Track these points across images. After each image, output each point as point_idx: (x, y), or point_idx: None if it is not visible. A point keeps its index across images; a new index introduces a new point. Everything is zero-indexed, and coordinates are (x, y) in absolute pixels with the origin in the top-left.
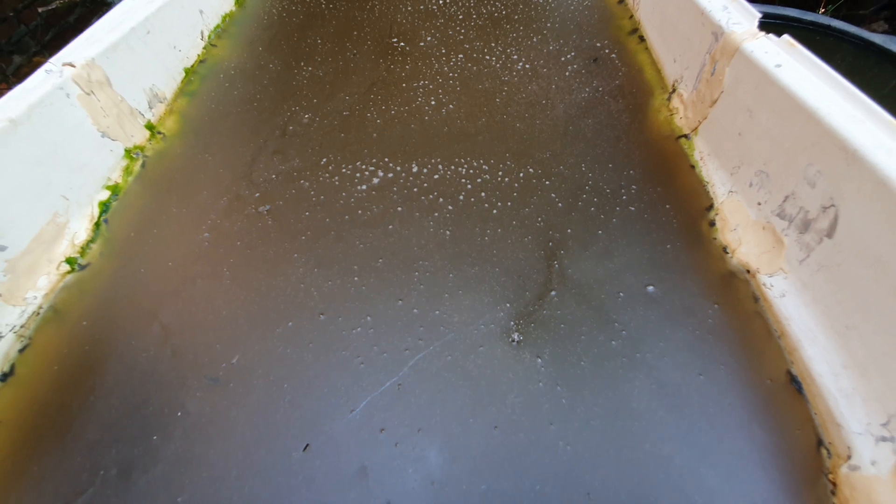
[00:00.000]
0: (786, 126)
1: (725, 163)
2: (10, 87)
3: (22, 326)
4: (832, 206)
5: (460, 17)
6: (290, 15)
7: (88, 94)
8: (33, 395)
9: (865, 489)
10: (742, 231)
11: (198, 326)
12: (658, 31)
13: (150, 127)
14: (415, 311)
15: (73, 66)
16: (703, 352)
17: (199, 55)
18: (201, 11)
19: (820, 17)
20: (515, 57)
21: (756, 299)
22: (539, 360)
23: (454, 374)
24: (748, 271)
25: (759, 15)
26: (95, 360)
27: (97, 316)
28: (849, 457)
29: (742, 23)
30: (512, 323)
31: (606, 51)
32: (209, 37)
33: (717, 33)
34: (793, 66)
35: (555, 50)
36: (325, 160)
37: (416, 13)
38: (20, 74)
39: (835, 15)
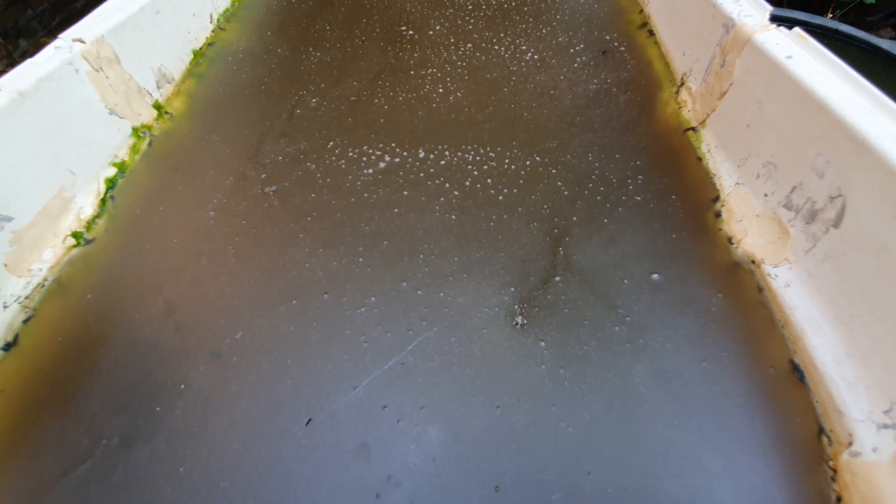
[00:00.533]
0: (795, 117)
1: (733, 154)
2: None
3: (26, 298)
4: (840, 195)
5: (470, 7)
6: (299, 1)
7: (97, 70)
8: (37, 366)
9: (866, 475)
10: (748, 222)
11: (202, 302)
12: (668, 25)
13: (157, 106)
14: (419, 292)
15: (82, 41)
16: (706, 339)
17: (207, 38)
18: None
19: (828, 21)
20: (524, 47)
21: (760, 289)
22: (542, 342)
23: (457, 354)
24: (753, 262)
25: (771, 7)
26: (99, 333)
27: (102, 290)
28: (850, 444)
29: (753, 15)
30: (516, 306)
31: (615, 44)
32: (218, 20)
33: (728, 25)
34: (804, 57)
35: (564, 42)
36: (331, 144)
37: (426, 2)
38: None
39: (842, 20)
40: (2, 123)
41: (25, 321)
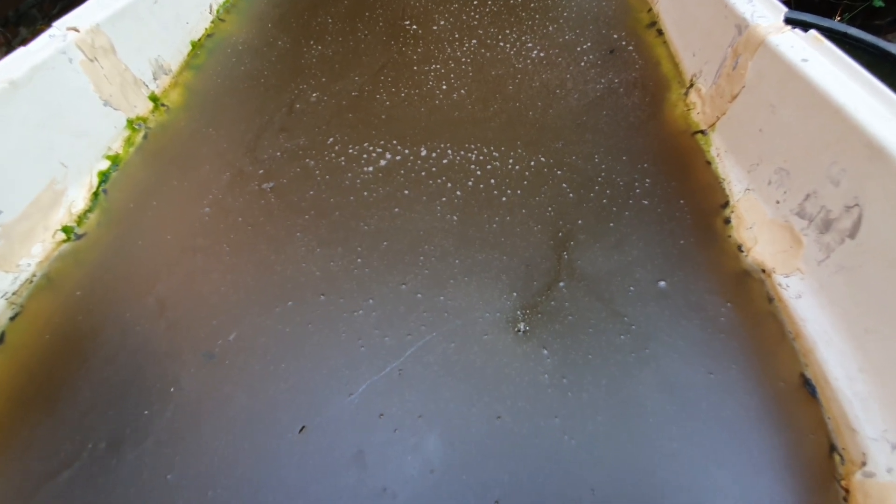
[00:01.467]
0: (810, 122)
1: (743, 160)
2: None
3: (14, 293)
4: (856, 205)
5: (475, 2)
6: None
7: (91, 60)
8: (23, 364)
9: (880, 497)
10: (758, 229)
11: (195, 301)
12: (677, 25)
13: (153, 98)
14: (418, 295)
15: (77, 30)
16: (714, 350)
17: (206, 29)
18: None
19: (837, 24)
20: (530, 45)
21: (770, 299)
22: (545, 351)
23: (457, 361)
24: (763, 271)
25: (785, 9)
26: (88, 331)
27: (92, 286)
28: (863, 463)
29: (767, 16)
30: (518, 312)
31: (623, 43)
32: (218, 11)
33: (741, 26)
34: (820, 61)
35: (571, 40)
36: (331, 140)
37: None
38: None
39: (850, 24)
40: None
41: (12, 318)
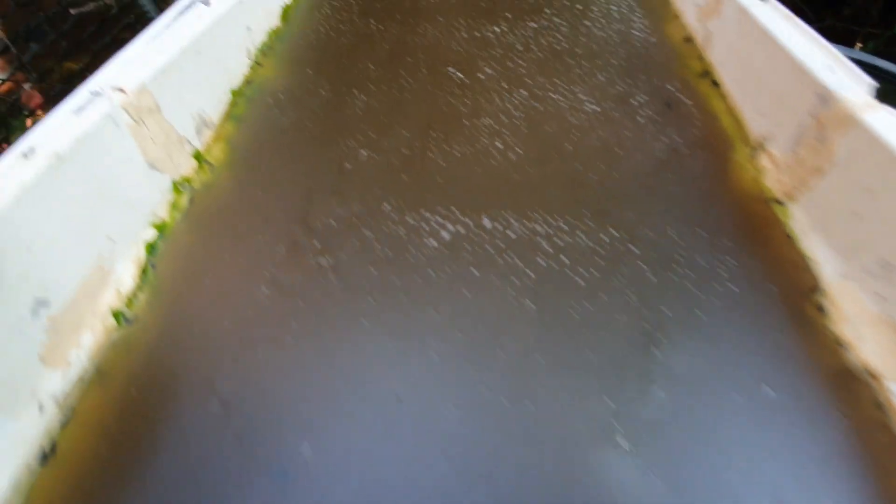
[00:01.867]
0: None
1: (835, 242)
2: (27, 77)
3: (65, 394)
4: None
5: (519, 48)
6: (338, 35)
7: (138, 122)
8: (78, 480)
9: None
10: (860, 324)
11: (261, 404)
12: (737, 79)
13: (197, 156)
14: (503, 400)
15: (123, 91)
16: (825, 469)
17: (245, 75)
18: (249, 28)
19: (865, 56)
20: (582, 97)
21: (880, 406)
22: (654, 476)
23: (559, 489)
24: (870, 373)
25: (875, 83)
26: (146, 441)
27: (148, 383)
28: None
29: (854, 89)
30: (615, 422)
31: (679, 95)
32: (255, 55)
33: (825, 96)
34: None
35: (623, 91)
36: (387, 206)
37: (472, 41)
38: (38, 67)
39: (873, 53)
40: (39, 193)
41: (63, 424)
